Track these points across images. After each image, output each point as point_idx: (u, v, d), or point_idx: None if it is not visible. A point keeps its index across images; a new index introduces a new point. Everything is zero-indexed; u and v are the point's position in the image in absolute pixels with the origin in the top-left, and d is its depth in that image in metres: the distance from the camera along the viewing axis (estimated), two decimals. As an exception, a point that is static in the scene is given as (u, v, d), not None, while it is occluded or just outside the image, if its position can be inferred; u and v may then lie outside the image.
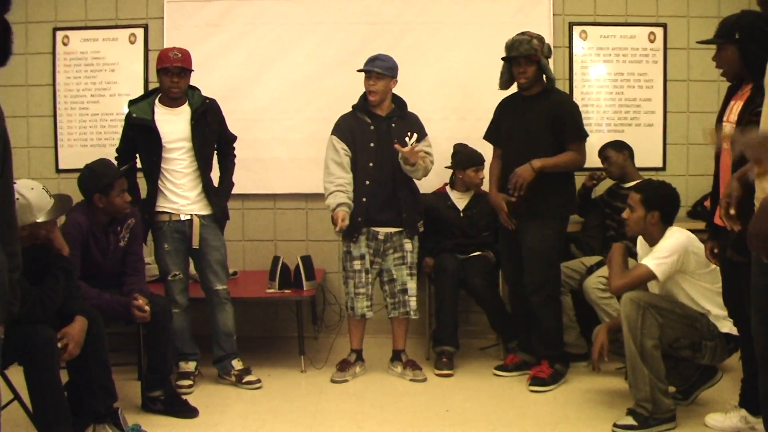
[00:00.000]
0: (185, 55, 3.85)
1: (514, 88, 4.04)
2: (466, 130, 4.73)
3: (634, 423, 3.22)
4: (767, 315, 2.50)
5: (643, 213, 3.39)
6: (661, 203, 3.42)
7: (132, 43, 4.91)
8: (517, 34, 3.88)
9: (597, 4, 4.93)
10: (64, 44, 4.92)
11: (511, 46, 3.85)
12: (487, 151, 4.33)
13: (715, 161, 3.08)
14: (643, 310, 3.19)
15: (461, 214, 4.53)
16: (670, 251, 3.28)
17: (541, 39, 3.85)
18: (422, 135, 4.09)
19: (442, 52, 4.86)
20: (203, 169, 3.91)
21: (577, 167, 4.02)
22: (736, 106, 2.94)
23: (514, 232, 3.98)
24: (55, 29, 4.91)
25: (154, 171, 3.87)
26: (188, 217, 3.89)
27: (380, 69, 3.94)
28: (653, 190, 3.47)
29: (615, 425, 3.26)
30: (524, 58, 3.80)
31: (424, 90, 4.79)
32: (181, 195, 3.89)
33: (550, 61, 3.98)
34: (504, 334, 4.40)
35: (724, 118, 3.00)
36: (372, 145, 4.01)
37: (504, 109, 4.10)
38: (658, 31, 4.91)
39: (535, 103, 3.92)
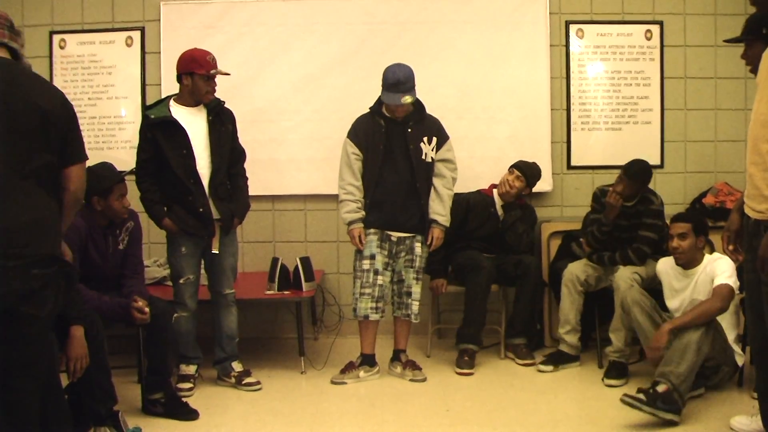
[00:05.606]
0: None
1: None
2: (464, 129, 4.73)
3: (643, 398, 3.22)
4: (757, 310, 2.52)
5: (694, 240, 3.60)
6: (705, 228, 3.67)
7: (129, 45, 4.91)
8: None
9: (593, 3, 4.93)
10: (61, 47, 4.92)
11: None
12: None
13: None
14: (713, 329, 3.40)
15: (499, 225, 4.48)
16: (732, 266, 3.44)
17: None
18: (443, 139, 4.06)
19: (439, 52, 4.86)
20: (220, 168, 3.85)
21: None
22: None
23: None
24: (52, 32, 4.91)
25: (187, 165, 3.73)
26: None
27: (411, 97, 3.89)
28: (698, 217, 3.76)
29: (624, 395, 3.26)
30: None
31: (421, 89, 4.71)
32: None
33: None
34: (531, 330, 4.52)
35: None
36: (381, 147, 3.96)
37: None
38: (655, 29, 4.91)
39: None
